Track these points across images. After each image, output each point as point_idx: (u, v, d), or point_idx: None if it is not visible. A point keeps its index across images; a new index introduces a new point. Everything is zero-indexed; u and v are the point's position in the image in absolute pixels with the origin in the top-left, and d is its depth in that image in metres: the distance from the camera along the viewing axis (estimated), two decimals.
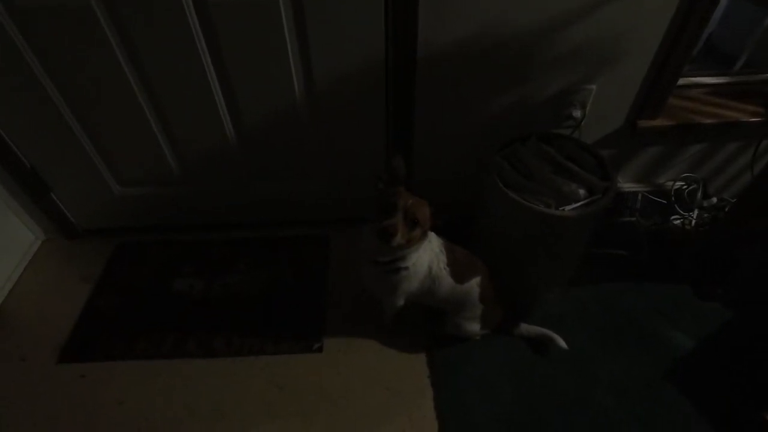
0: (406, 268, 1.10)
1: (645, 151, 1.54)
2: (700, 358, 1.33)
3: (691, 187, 1.63)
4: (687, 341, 1.37)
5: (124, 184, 1.51)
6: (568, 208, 1.17)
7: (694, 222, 1.60)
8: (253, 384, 1.25)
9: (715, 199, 1.66)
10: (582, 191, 1.20)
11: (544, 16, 1.16)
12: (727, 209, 1.59)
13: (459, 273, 1.18)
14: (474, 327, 1.29)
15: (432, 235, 1.15)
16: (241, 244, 1.63)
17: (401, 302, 1.23)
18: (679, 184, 1.62)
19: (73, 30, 1.09)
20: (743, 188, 1.68)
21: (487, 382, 1.28)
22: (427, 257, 1.13)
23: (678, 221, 1.62)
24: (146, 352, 1.33)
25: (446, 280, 1.17)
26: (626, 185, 1.65)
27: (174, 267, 1.56)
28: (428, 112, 1.34)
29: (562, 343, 1.28)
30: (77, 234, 1.63)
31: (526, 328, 1.34)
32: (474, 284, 1.21)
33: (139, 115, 1.28)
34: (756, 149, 1.46)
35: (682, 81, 1.40)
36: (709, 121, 1.42)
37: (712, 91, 1.52)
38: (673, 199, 1.61)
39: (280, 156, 1.44)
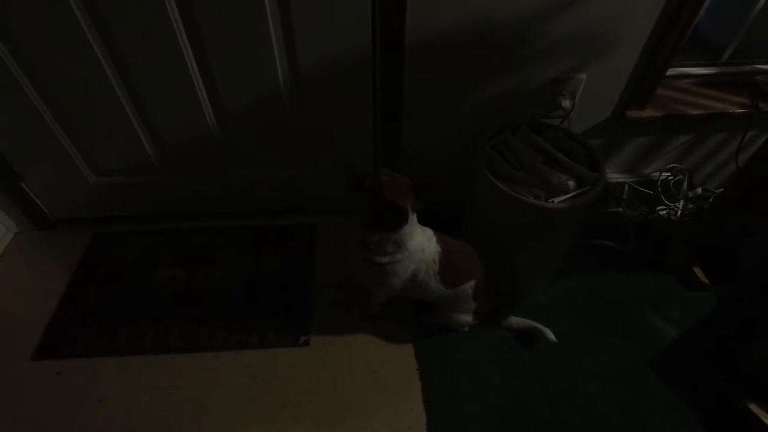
0: (384, 264, 1.06)
1: (632, 142, 1.54)
2: (685, 347, 1.35)
3: (677, 178, 1.64)
4: (672, 330, 1.39)
5: (100, 173, 1.45)
6: (557, 199, 1.16)
7: (679, 213, 1.61)
8: (237, 379, 1.22)
9: (700, 190, 1.67)
10: (571, 183, 1.19)
11: (536, 2, 1.13)
12: (711, 200, 1.61)
13: (452, 279, 1.16)
14: (465, 319, 1.28)
15: (428, 239, 1.11)
16: (225, 234, 1.59)
17: (383, 296, 1.21)
18: (665, 174, 1.63)
19: (38, 9, 1.02)
20: (728, 179, 1.70)
21: (475, 372, 1.27)
22: (413, 263, 1.08)
23: (664, 212, 1.63)
24: (126, 347, 1.29)
25: (434, 287, 1.15)
26: (613, 175, 1.65)
27: (154, 257, 1.51)
28: (416, 96, 1.30)
29: (551, 336, 1.28)
30: (51, 224, 1.56)
31: (515, 321, 1.34)
32: (468, 287, 1.19)
33: (113, 100, 1.22)
34: (741, 140, 1.46)
35: (669, 71, 1.39)
36: (696, 112, 1.42)
37: (699, 82, 1.52)
38: (659, 189, 1.62)
39: (263, 142, 1.39)
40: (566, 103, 1.35)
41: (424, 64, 1.22)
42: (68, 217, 1.56)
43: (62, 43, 1.09)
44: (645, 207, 1.66)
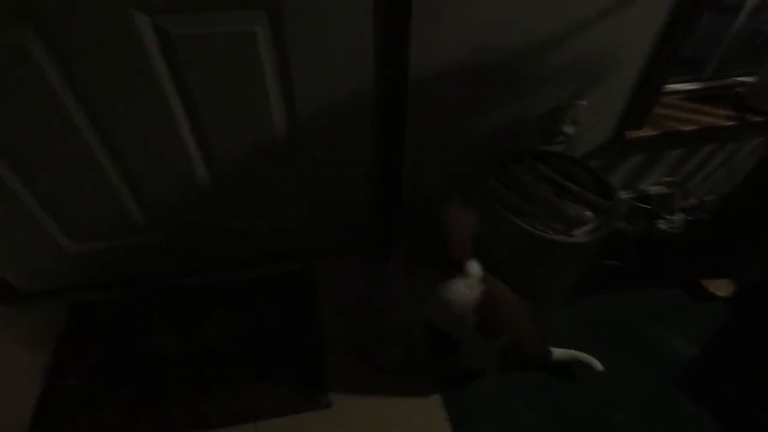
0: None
1: (629, 160, 1.55)
2: (703, 363, 1.35)
3: (671, 190, 1.66)
4: (688, 347, 1.38)
5: (76, 240, 1.31)
6: (578, 232, 1.14)
7: (678, 225, 1.63)
8: None
9: (693, 200, 1.70)
10: (588, 213, 1.16)
11: (536, 36, 1.11)
12: (709, 211, 1.64)
13: (490, 331, 1.08)
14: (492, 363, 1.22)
15: (470, 287, 1.03)
16: (218, 289, 1.47)
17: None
18: (660, 188, 1.65)
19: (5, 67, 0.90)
20: (718, 185, 1.74)
21: (505, 412, 1.22)
22: (441, 310, 1.04)
23: (663, 225, 1.65)
24: (123, 430, 1.16)
25: (468, 338, 1.09)
26: None
27: (142, 323, 1.38)
28: (417, 131, 1.25)
29: (598, 365, 1.24)
30: (21, 298, 1.40)
31: (558, 353, 1.25)
32: (505, 340, 1.10)
33: (88, 159, 1.10)
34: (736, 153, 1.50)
35: None
36: (689, 128, 1.44)
37: (685, 97, 1.55)
38: (656, 203, 1.64)
39: (256, 190, 1.30)
40: (568, 129, 1.34)
41: (426, 100, 1.18)
42: (41, 288, 1.41)
43: (27, 94, 0.96)
44: (644, 221, 1.67)
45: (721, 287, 1.47)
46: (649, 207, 1.64)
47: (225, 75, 1.01)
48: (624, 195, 1.67)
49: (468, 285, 1.02)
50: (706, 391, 1.28)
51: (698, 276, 1.50)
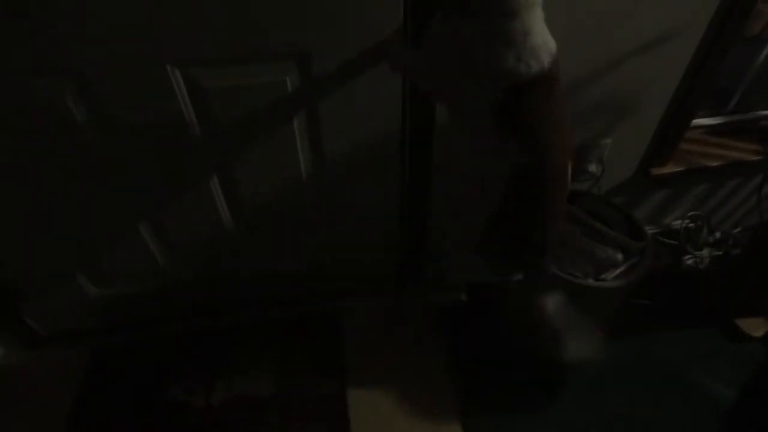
0: None
1: (654, 195, 1.53)
2: (743, 406, 1.29)
3: (696, 224, 1.63)
4: (727, 390, 1.33)
5: (100, 284, 1.30)
6: (609, 276, 1.11)
7: (705, 261, 1.59)
8: None
9: (719, 234, 1.67)
10: (620, 256, 1.14)
11: (566, 76, 1.10)
12: (737, 246, 1.60)
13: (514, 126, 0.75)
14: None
15: None
16: (243, 332, 1.45)
17: None
18: (686, 222, 1.62)
19: (41, 117, 0.91)
20: (743, 219, 1.71)
21: None
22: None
23: (690, 260, 1.61)
24: None
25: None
26: None
27: (166, 370, 1.35)
28: (443, 173, 1.24)
29: None
30: (42, 342, 1.39)
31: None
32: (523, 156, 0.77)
33: (117, 207, 1.11)
34: (761, 189, 1.47)
35: None
36: (714, 163, 1.42)
37: (709, 131, 1.53)
38: (683, 239, 1.60)
39: (282, 232, 1.29)
40: (593, 168, 1.32)
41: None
42: (62, 332, 1.39)
43: (60, 142, 0.96)
44: (670, 257, 1.63)
45: (755, 327, 1.42)
46: (675, 242, 1.61)
47: (254, 122, 1.02)
48: (649, 230, 1.64)
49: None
50: None
51: (731, 315, 1.45)
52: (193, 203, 1.14)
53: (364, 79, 0.99)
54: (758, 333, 1.41)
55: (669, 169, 1.40)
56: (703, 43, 1.12)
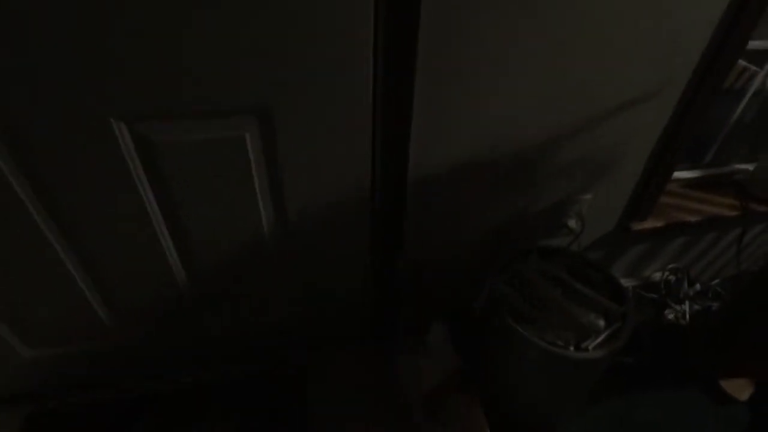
0: None
1: (633, 249, 1.49)
2: None
3: (677, 277, 1.60)
4: None
5: (36, 345, 1.17)
6: (591, 345, 1.04)
7: (687, 315, 1.55)
8: None
9: (698, 286, 1.64)
10: (601, 322, 1.08)
11: (547, 133, 1.06)
12: (719, 300, 1.57)
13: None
14: None
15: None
16: (199, 394, 1.32)
17: None
18: (665, 274, 1.58)
19: None
20: (722, 269, 1.69)
21: None
22: None
23: (671, 315, 1.57)
24: None
25: None
26: None
27: None
28: (417, 225, 1.18)
29: None
30: None
31: None
32: None
33: (53, 265, 0.99)
34: (740, 242, 1.45)
35: None
36: (693, 218, 1.40)
37: (686, 185, 1.52)
38: (663, 292, 1.56)
39: (242, 291, 1.19)
40: (572, 223, 1.28)
41: (425, 196, 1.11)
42: None
43: None
44: (652, 310, 1.59)
45: (740, 389, 1.36)
46: (656, 296, 1.57)
47: (209, 179, 0.93)
48: (629, 282, 1.60)
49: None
50: None
51: (715, 376, 1.39)
52: (140, 257, 1.04)
53: (329, 135, 0.93)
54: (743, 396, 1.35)
55: (649, 224, 1.37)
56: (683, 99, 1.10)
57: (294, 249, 1.11)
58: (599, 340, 1.05)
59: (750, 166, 1.53)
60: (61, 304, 1.08)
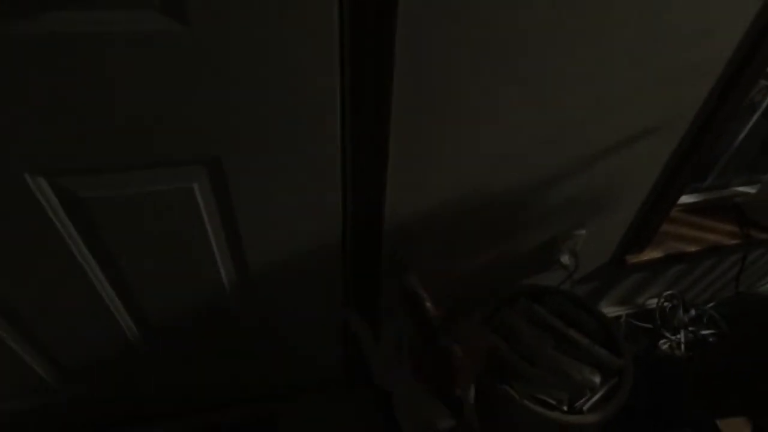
0: None
1: (627, 280, 1.40)
2: None
3: (672, 304, 1.52)
4: None
5: None
6: (586, 405, 0.95)
7: (683, 346, 1.48)
8: None
9: (693, 312, 1.56)
10: (597, 378, 0.99)
11: (538, 174, 0.95)
12: (712, 325, 1.50)
13: None
14: None
15: None
16: None
17: None
18: (661, 301, 1.50)
19: None
20: (718, 293, 1.62)
21: None
22: None
23: (666, 345, 1.49)
24: None
25: None
26: (607, 310, 1.50)
27: None
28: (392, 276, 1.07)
29: None
30: None
31: None
32: None
33: None
34: (740, 271, 1.38)
35: None
36: (692, 248, 1.31)
37: (685, 209, 1.42)
38: (658, 322, 1.49)
39: (202, 346, 1.08)
40: (565, 259, 1.18)
41: (404, 241, 1.00)
42: None
43: None
44: (645, 340, 1.51)
45: (737, 429, 1.30)
46: (650, 326, 1.49)
47: (155, 234, 0.81)
48: (621, 311, 1.52)
49: None
50: None
51: (711, 415, 1.33)
52: (83, 318, 0.91)
53: (291, 185, 0.80)
54: None
55: (646, 256, 1.28)
56: (689, 133, 1.00)
57: (259, 303, 0.99)
58: (595, 399, 0.96)
59: (751, 189, 1.45)
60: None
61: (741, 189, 1.46)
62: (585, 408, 0.95)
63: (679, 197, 1.16)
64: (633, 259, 1.27)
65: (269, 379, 1.25)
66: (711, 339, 1.48)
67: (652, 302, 1.53)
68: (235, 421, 1.26)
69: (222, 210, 0.81)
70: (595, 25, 0.74)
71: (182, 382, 1.17)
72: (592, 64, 0.79)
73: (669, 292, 1.50)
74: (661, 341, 1.49)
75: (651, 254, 1.28)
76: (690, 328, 1.52)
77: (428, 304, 0.81)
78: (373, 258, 0.97)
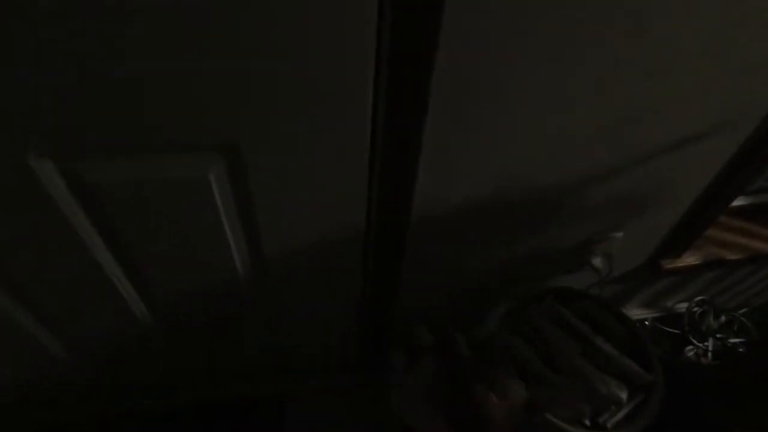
0: None
1: (658, 283, 1.33)
2: None
3: (703, 309, 1.45)
4: None
5: None
6: (610, 421, 0.91)
7: (710, 354, 1.42)
8: None
9: (723, 318, 1.49)
10: (624, 394, 0.93)
11: (578, 174, 0.87)
12: (743, 333, 1.43)
13: None
14: None
15: None
16: (166, 420, 1.22)
17: None
18: (692, 306, 1.43)
19: None
20: (751, 299, 1.54)
21: None
22: None
23: (692, 352, 1.43)
24: None
25: None
26: (633, 312, 1.44)
27: None
28: (416, 265, 1.01)
29: None
30: None
31: None
32: None
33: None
34: None
35: None
36: (733, 256, 1.23)
37: (730, 212, 1.33)
38: (686, 328, 1.42)
39: (213, 333, 1.05)
40: (597, 262, 1.11)
41: (430, 234, 0.93)
42: None
43: None
44: (669, 345, 1.45)
45: None
46: (678, 331, 1.43)
47: (169, 223, 0.76)
48: (647, 314, 1.45)
49: None
50: None
51: (733, 426, 1.28)
52: (97, 303, 0.89)
53: (314, 176, 0.74)
54: None
55: (683, 262, 1.20)
56: (758, 131, 0.90)
57: (274, 294, 0.95)
58: (620, 415, 0.92)
59: None
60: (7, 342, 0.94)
61: None
62: (609, 424, 0.90)
63: (732, 201, 1.06)
64: (668, 264, 1.19)
65: (279, 362, 1.23)
66: (740, 348, 1.42)
67: (682, 306, 1.46)
68: (242, 401, 1.26)
69: (239, 199, 0.75)
70: (669, 13, 0.64)
71: (191, 366, 1.15)
72: (664, 56, 0.69)
73: (700, 298, 1.43)
74: (688, 347, 1.43)
75: (688, 260, 1.21)
76: (719, 335, 1.45)
77: (462, 349, 0.77)
78: (397, 253, 0.92)
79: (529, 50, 0.64)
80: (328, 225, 0.84)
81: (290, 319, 1.04)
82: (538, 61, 0.65)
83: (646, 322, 1.46)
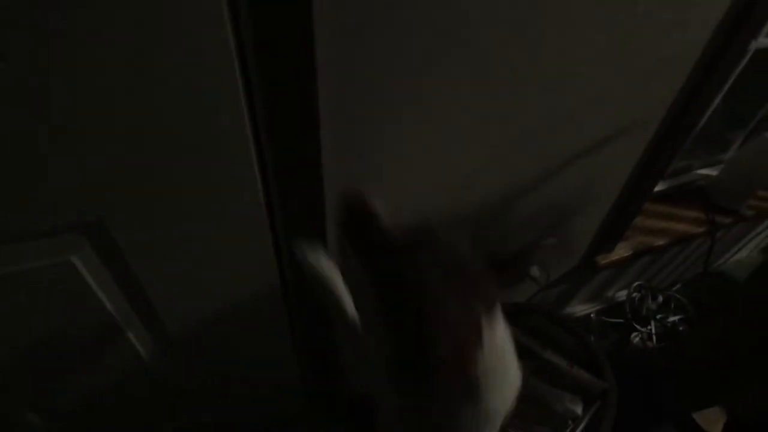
0: None
1: (597, 278, 1.34)
2: None
3: (641, 293, 1.48)
4: None
5: None
6: None
7: (654, 337, 1.45)
8: None
9: (661, 298, 1.53)
10: (579, 408, 0.90)
11: (495, 193, 0.84)
12: (680, 310, 1.47)
13: None
14: None
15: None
16: None
17: None
18: (631, 292, 1.46)
19: None
20: (683, 274, 1.60)
21: None
22: None
23: (637, 338, 1.46)
24: None
25: None
26: (577, 308, 1.44)
27: None
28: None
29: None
30: None
31: None
32: None
33: None
34: (708, 257, 1.34)
35: None
36: (660, 242, 1.25)
37: (653, 198, 1.36)
38: (629, 315, 1.44)
39: (125, 413, 0.91)
40: (534, 271, 1.08)
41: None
42: None
43: None
44: (615, 335, 1.47)
45: (713, 422, 1.28)
46: (621, 321, 1.45)
47: (40, 316, 0.63)
48: (590, 308, 1.46)
49: None
50: None
51: (687, 408, 1.30)
52: None
53: (205, 237, 0.64)
54: (716, 429, 1.28)
55: (616, 255, 1.21)
56: (662, 127, 0.90)
57: (195, 365, 0.84)
58: (579, 429, 0.88)
59: (713, 171, 1.40)
60: None
61: (703, 172, 1.41)
62: None
63: (651, 192, 1.08)
64: (603, 260, 1.20)
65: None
66: (680, 327, 1.46)
67: (622, 294, 1.49)
68: None
69: (119, 281, 0.64)
70: (560, 21, 0.61)
71: None
72: (559, 66, 0.66)
73: (637, 283, 1.46)
74: (633, 334, 1.45)
75: (621, 253, 1.22)
76: (658, 316, 1.48)
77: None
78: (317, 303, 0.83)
79: (421, 85, 0.58)
80: (239, 289, 0.74)
81: (224, 383, 0.92)
82: (439, 90, 0.60)
83: (592, 316, 1.47)
